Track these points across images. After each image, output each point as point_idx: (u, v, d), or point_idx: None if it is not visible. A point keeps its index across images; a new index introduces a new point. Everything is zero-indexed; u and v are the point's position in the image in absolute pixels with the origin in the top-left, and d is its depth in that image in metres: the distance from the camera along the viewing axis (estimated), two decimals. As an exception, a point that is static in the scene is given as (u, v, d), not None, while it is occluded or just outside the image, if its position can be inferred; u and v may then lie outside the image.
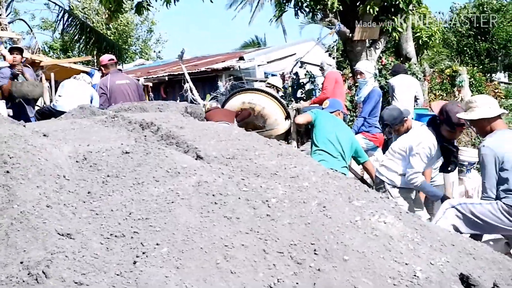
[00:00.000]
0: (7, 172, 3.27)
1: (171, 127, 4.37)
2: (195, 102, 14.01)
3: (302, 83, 15.80)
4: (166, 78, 20.62)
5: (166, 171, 3.51)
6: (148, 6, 15.79)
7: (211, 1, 15.40)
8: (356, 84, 11.03)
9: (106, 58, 10.17)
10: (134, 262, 2.73)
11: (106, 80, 9.43)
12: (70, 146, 3.81)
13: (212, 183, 3.40)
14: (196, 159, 3.87)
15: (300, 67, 16.46)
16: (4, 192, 3.13)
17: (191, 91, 14.74)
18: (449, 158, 6.44)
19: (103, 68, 9.81)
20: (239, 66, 20.98)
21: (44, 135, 4.15)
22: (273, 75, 20.47)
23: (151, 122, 4.46)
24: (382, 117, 8.00)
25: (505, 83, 35.11)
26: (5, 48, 12.22)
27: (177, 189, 3.31)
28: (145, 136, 4.28)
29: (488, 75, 31.92)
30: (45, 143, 3.77)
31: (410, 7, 14.30)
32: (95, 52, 23.00)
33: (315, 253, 2.90)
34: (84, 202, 3.21)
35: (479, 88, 20.46)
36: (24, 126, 4.26)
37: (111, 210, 3.12)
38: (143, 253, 2.79)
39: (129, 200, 3.20)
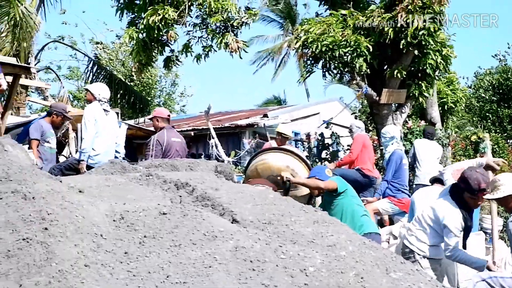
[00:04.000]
0: (46, 229, 3.26)
1: (206, 188, 4.37)
2: (219, 158, 14.06)
3: (327, 144, 15.79)
4: (192, 133, 20.66)
5: (203, 234, 3.49)
6: (176, 61, 15.90)
7: (240, 57, 15.21)
8: (381, 147, 11.05)
9: (165, 112, 10.10)
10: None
11: (163, 134, 9.38)
12: (107, 204, 3.80)
13: (250, 248, 3.37)
14: (232, 222, 3.85)
15: (326, 127, 16.47)
16: (42, 249, 3.11)
17: (217, 147, 14.82)
18: (468, 229, 6.37)
19: (159, 121, 9.65)
20: (263, 124, 21.08)
21: (80, 192, 4.15)
22: (296, 133, 20.54)
23: (186, 183, 4.46)
24: None
25: (527, 150, 34.86)
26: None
27: (215, 253, 3.29)
28: (180, 196, 4.28)
29: (511, 141, 31.74)
30: (82, 200, 3.77)
31: (437, 72, 14.36)
32: (123, 104, 23.15)
33: (354, 327, 2.85)
34: (121, 262, 3.19)
35: (502, 155, 20.32)
36: (61, 181, 4.27)
37: (148, 272, 3.09)
38: (182, 318, 2.76)
39: (167, 263, 3.18)
